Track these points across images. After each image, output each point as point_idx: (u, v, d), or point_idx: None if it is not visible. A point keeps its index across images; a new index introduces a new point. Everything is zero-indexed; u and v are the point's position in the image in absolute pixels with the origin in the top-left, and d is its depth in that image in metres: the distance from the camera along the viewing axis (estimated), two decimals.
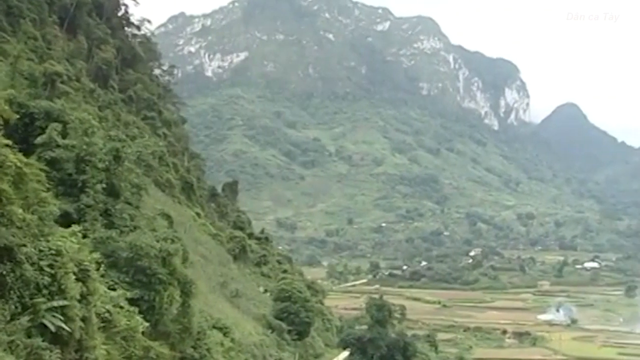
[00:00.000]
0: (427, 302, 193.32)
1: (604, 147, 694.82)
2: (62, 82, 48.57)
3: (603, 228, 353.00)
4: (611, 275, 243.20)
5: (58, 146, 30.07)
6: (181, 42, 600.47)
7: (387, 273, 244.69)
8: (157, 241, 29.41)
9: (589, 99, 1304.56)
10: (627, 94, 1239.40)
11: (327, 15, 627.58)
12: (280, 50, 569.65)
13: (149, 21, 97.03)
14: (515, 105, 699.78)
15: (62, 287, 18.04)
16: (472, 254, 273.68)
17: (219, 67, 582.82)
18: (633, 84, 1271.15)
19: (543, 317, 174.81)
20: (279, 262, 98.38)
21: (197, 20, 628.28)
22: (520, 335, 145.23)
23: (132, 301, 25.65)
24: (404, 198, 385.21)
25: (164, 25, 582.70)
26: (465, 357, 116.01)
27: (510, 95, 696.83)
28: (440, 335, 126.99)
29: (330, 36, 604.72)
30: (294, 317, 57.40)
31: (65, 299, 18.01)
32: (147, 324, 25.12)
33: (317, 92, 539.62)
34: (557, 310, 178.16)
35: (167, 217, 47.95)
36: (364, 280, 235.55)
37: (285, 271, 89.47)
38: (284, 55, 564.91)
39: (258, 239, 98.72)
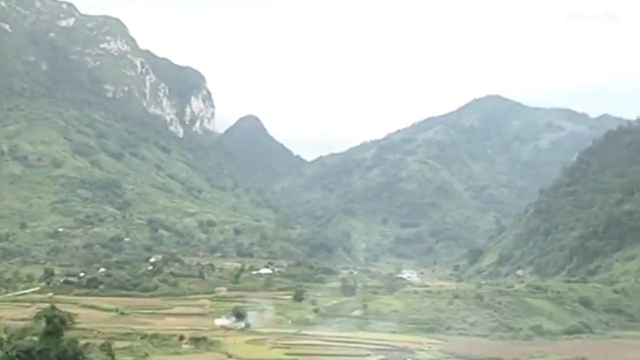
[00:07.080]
0: (104, 310, 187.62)
1: (282, 160, 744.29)
2: None
3: (277, 236, 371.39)
4: (283, 281, 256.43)
5: None
6: None
7: (62, 280, 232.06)
8: None
9: (270, 111, 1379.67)
10: (304, 109, 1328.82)
11: (2, 3, 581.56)
12: None
13: None
14: (200, 114, 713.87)
15: None
16: (152, 260, 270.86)
17: None
18: (309, 99, 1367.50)
19: (219, 322, 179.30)
20: None
21: None
22: (197, 341, 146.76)
23: None
24: (84, 202, 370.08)
25: None
26: None
27: (196, 104, 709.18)
28: (117, 344, 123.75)
29: (7, 27, 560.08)
30: None
31: None
32: None
33: None
34: (232, 315, 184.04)
35: None
36: (36, 289, 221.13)
37: None
38: None
39: None
